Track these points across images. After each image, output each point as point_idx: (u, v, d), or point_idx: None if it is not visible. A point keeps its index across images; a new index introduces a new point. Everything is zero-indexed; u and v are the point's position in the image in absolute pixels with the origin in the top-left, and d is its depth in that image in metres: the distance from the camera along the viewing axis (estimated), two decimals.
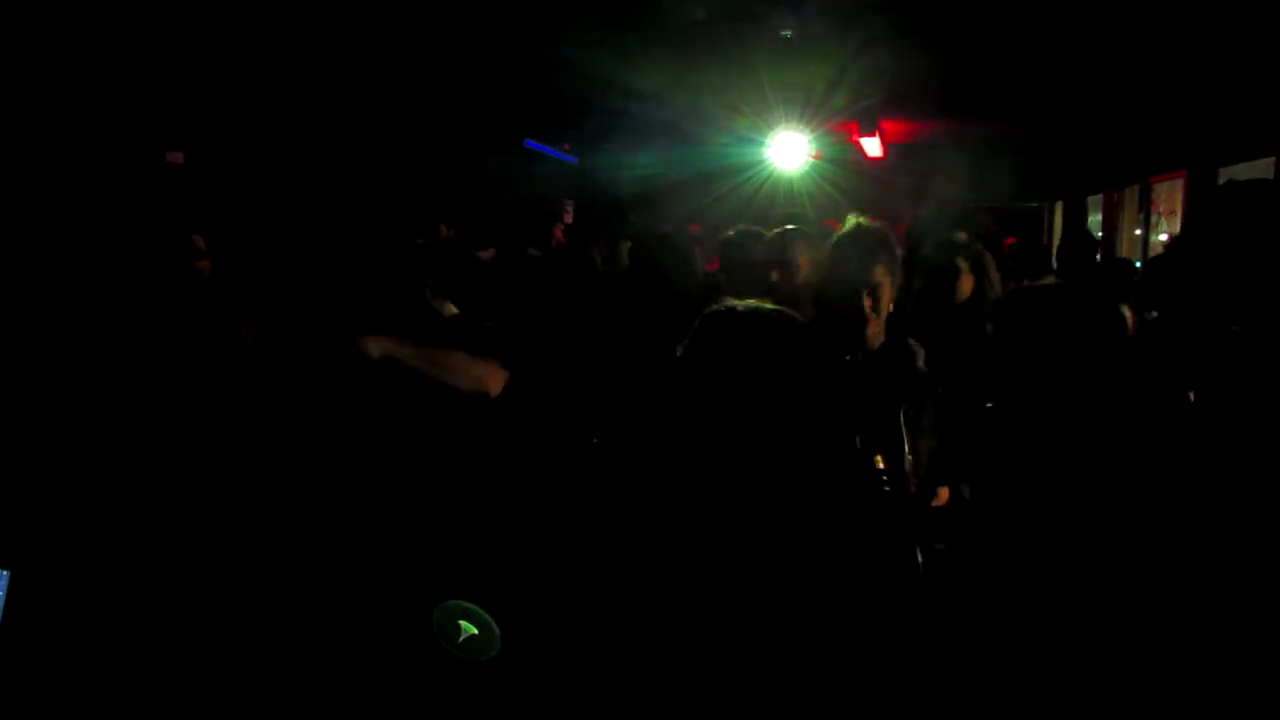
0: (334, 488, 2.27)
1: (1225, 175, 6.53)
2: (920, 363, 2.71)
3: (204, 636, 2.02)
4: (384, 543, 2.12)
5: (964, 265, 3.64)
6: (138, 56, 5.29)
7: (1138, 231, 8.65)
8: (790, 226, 3.40)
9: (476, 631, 1.74)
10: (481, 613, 1.73)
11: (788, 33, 5.68)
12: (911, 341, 2.76)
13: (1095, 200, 10.04)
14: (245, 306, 3.47)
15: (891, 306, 2.72)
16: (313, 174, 6.08)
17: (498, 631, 1.72)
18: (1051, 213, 11.76)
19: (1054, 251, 5.82)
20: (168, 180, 6.05)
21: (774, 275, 3.14)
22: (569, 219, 6.12)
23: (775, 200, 8.33)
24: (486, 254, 5.37)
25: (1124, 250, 8.89)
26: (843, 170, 9.15)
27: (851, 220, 2.78)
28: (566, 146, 8.32)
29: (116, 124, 5.71)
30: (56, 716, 1.83)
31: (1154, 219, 8.22)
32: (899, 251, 2.77)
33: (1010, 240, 5.98)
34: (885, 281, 2.64)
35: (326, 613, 2.05)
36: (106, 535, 2.23)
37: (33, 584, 1.85)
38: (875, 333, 2.68)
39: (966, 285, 3.63)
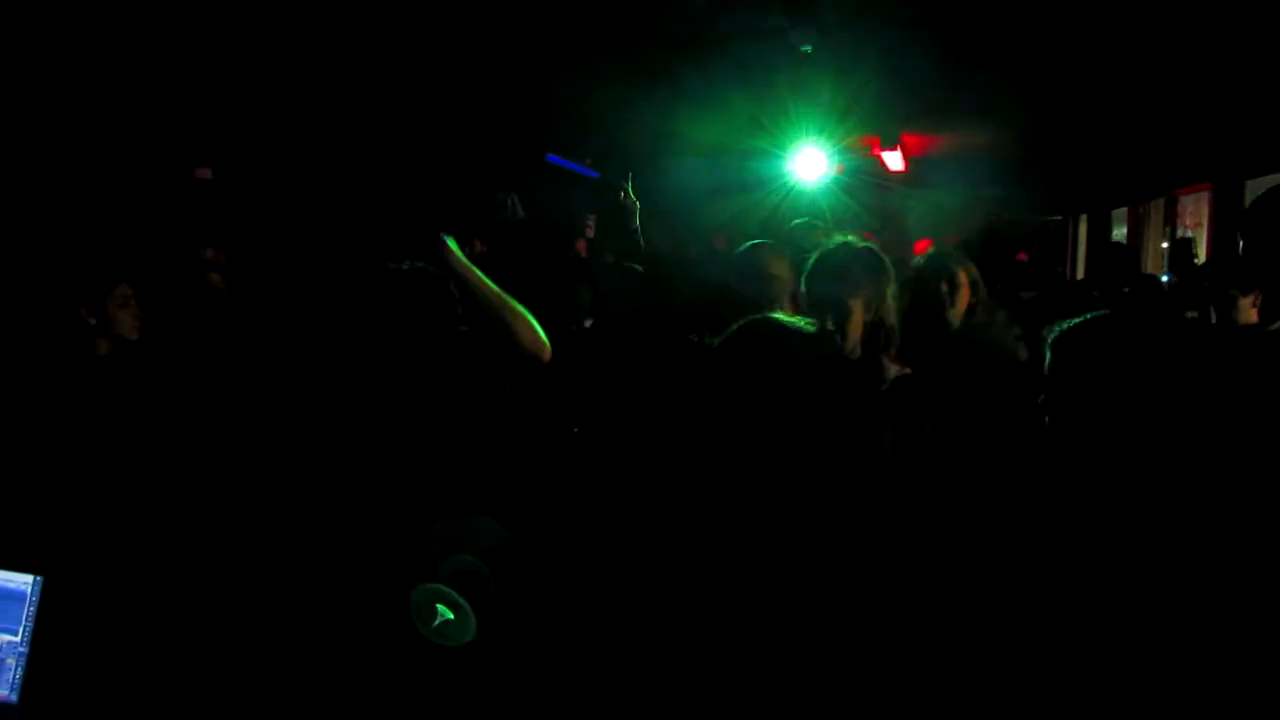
0: (337, 484, 2.30)
1: (1251, 188, 6.48)
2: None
3: (228, 636, 2.05)
4: (378, 528, 2.15)
5: (963, 279, 3.27)
6: (169, 73, 5.39)
7: (1164, 245, 8.59)
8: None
9: (452, 616, 1.75)
10: (458, 597, 1.74)
11: (808, 47, 5.70)
12: (884, 359, 2.69)
13: (1120, 213, 9.98)
14: (262, 315, 3.53)
15: (862, 327, 2.67)
16: (338, 187, 6.16)
17: (473, 617, 1.73)
18: (1076, 226, 11.70)
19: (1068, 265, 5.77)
20: (195, 194, 6.15)
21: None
22: (590, 233, 6.16)
23: (796, 214, 8.33)
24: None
25: (1150, 264, 8.83)
26: (865, 184, 9.14)
27: (838, 238, 2.74)
28: (589, 161, 8.37)
29: (147, 139, 5.82)
30: (86, 715, 1.86)
31: (1179, 232, 8.15)
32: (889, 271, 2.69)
33: (1022, 255, 5.93)
34: (855, 303, 2.58)
35: (333, 602, 2.08)
36: (135, 540, 2.27)
37: (64, 588, 1.89)
38: (850, 348, 2.63)
39: (964, 301, 3.26)
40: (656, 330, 3.16)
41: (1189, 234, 7.92)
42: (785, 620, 1.63)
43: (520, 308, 2.38)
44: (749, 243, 3.37)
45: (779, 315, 1.86)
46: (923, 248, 6.57)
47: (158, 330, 2.96)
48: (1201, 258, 7.26)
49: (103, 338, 2.75)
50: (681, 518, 1.74)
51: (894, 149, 8.93)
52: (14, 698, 1.83)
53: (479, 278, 2.34)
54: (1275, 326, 3.51)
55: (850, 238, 2.77)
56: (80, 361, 2.70)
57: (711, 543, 1.70)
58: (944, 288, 3.25)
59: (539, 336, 2.38)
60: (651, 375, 2.65)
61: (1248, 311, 3.63)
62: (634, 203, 4.33)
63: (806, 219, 5.28)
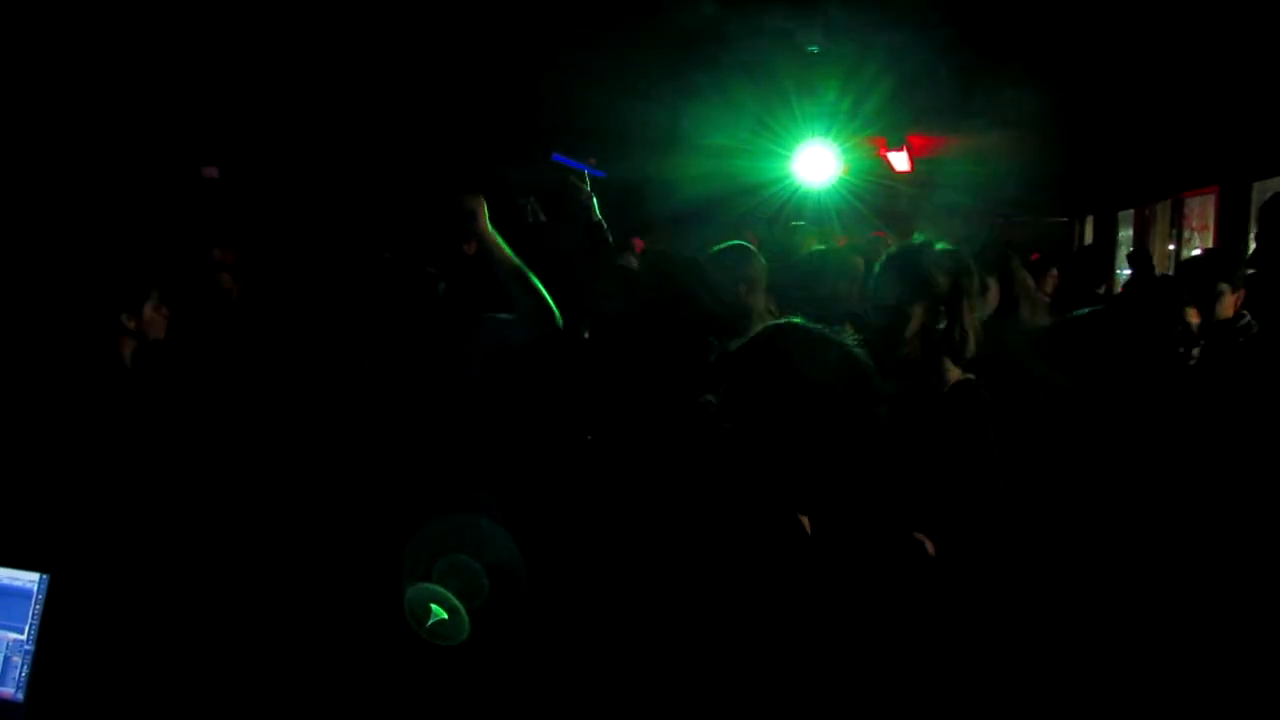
0: (341, 485, 2.31)
1: (1258, 190, 6.46)
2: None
3: (232, 634, 2.05)
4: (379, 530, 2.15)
5: (989, 278, 3.38)
6: (173, 71, 5.40)
7: (1170, 247, 8.56)
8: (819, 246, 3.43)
9: (446, 616, 1.74)
10: (451, 597, 1.74)
11: (814, 47, 5.69)
12: (947, 363, 2.65)
13: (1126, 215, 9.96)
14: (270, 315, 3.54)
15: (920, 331, 2.63)
16: (339, 187, 6.17)
17: (466, 617, 1.73)
18: (1082, 228, 11.68)
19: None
20: (202, 193, 6.16)
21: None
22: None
23: (803, 214, 8.35)
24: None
25: (1155, 266, 8.81)
26: (870, 184, 9.13)
27: (919, 237, 2.63)
28: (593, 161, 8.37)
29: (153, 138, 5.83)
30: (93, 713, 1.86)
31: (1186, 234, 8.14)
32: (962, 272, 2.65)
33: (1035, 255, 5.96)
34: (914, 307, 2.49)
35: (336, 601, 2.08)
36: (141, 538, 2.27)
37: (71, 586, 1.89)
38: (911, 351, 2.60)
39: (991, 299, 3.40)
40: (672, 334, 3.15)
41: (1192, 242, 7.92)
42: (803, 633, 1.63)
43: (533, 276, 2.53)
44: (726, 244, 3.41)
45: (800, 320, 1.84)
46: None
47: (177, 331, 2.97)
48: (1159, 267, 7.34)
49: (128, 338, 2.74)
50: (697, 525, 1.73)
51: (900, 150, 8.92)
52: (20, 696, 1.83)
53: (501, 245, 2.51)
54: (1245, 321, 3.53)
55: (925, 238, 2.65)
56: (108, 363, 2.70)
57: (728, 552, 1.69)
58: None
59: (548, 304, 2.53)
60: (669, 380, 2.65)
61: (1227, 308, 3.62)
62: (590, 194, 4.34)
63: (804, 223, 5.29)
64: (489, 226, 2.56)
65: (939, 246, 2.57)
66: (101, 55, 5.04)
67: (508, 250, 2.57)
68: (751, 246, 3.41)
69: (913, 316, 2.47)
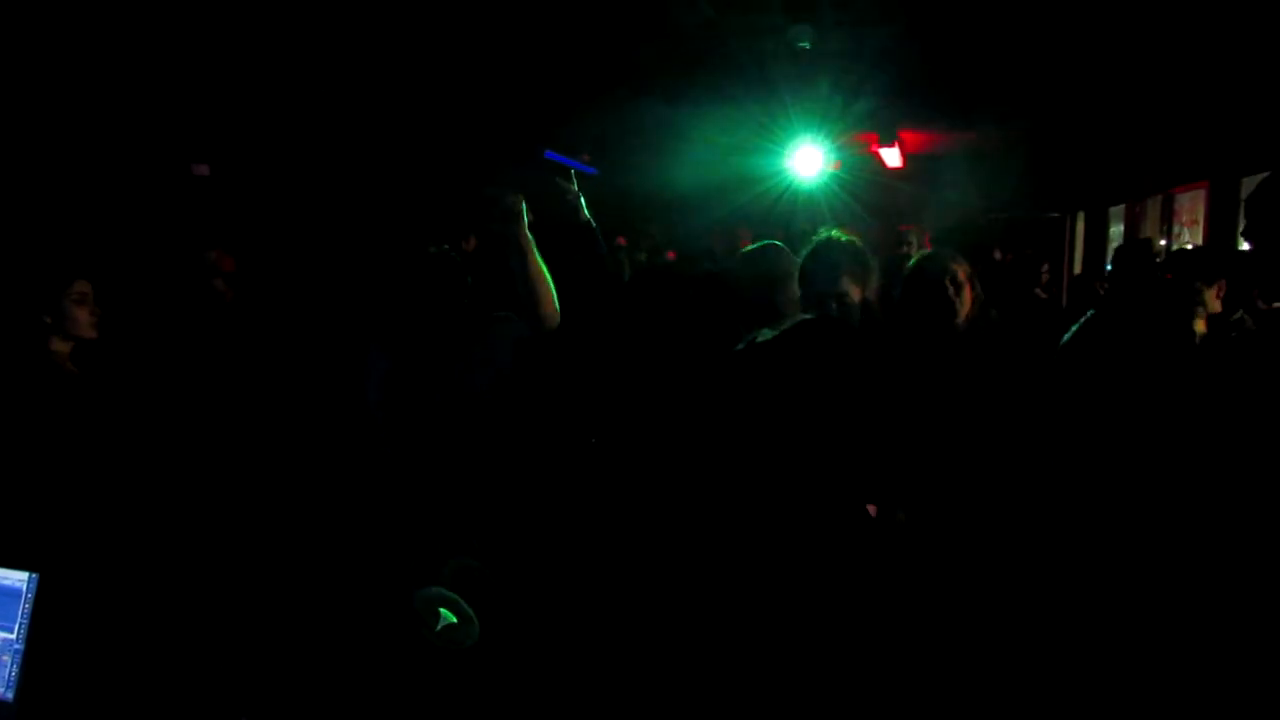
0: (342, 484, 2.30)
1: (1247, 185, 6.49)
2: None
3: (220, 632, 2.05)
4: (380, 532, 2.15)
5: (963, 276, 3.09)
6: (165, 69, 5.37)
7: (1161, 242, 8.58)
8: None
9: (455, 620, 1.75)
10: (461, 601, 1.74)
11: (805, 43, 5.69)
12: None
13: (1117, 211, 9.98)
14: (268, 316, 3.52)
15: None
16: (337, 184, 6.15)
17: (476, 620, 1.74)
18: (1073, 224, 11.70)
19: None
20: (192, 191, 6.13)
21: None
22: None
23: (795, 210, 8.36)
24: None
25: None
26: (863, 180, 9.15)
27: (822, 233, 2.94)
28: (586, 157, 8.36)
29: (143, 136, 5.80)
30: (83, 712, 1.86)
31: (1176, 229, 8.16)
32: (872, 263, 2.91)
33: (1008, 256, 5.96)
34: (851, 290, 2.80)
35: (331, 602, 2.08)
36: (131, 537, 2.27)
37: (61, 585, 1.89)
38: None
39: (969, 299, 3.07)
40: (686, 330, 3.17)
41: (1185, 234, 7.94)
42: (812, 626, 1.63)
43: (552, 284, 2.61)
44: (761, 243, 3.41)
45: (830, 316, 1.87)
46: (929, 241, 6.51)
47: (138, 327, 2.92)
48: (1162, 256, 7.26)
49: (58, 336, 2.68)
50: (715, 518, 1.74)
51: (891, 146, 8.93)
52: (10, 695, 1.83)
53: (534, 249, 2.57)
54: (1238, 316, 3.52)
55: (832, 233, 2.96)
56: (37, 360, 2.65)
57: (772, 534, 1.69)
58: (949, 288, 3.12)
59: (556, 310, 2.61)
60: (689, 378, 2.69)
61: (1212, 303, 3.59)
62: (577, 194, 4.33)
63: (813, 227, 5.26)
64: (526, 227, 2.57)
65: (844, 239, 2.91)
66: (86, 47, 5.01)
67: (538, 257, 2.57)
68: (783, 245, 3.40)
69: (849, 295, 2.76)
